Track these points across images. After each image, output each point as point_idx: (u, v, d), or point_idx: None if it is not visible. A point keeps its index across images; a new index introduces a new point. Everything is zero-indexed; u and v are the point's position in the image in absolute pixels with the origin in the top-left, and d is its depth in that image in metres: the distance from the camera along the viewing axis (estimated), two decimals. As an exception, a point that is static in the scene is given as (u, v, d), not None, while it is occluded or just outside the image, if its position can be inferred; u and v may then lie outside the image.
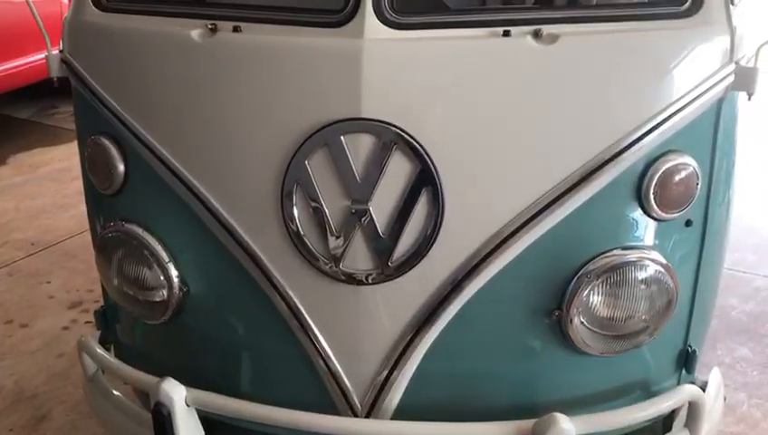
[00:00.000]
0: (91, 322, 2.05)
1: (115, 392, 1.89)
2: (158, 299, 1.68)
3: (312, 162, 1.47)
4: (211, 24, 1.53)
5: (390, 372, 1.56)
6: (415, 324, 1.54)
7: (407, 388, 1.57)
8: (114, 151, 1.68)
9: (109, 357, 1.86)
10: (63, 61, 1.75)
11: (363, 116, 1.42)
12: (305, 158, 1.46)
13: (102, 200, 1.79)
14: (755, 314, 3.27)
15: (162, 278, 1.66)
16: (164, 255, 1.66)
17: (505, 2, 2.46)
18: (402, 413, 1.59)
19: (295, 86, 1.47)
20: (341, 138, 1.44)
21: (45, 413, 2.64)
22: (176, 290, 1.66)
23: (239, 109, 1.52)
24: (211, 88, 1.54)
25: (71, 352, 2.88)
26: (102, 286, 1.90)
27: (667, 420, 1.79)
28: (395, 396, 1.58)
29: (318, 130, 1.44)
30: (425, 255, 1.49)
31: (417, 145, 1.43)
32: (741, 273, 3.66)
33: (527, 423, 1.51)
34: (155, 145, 1.61)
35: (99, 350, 1.87)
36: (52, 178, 5.01)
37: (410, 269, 1.50)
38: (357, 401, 1.59)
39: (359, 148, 1.44)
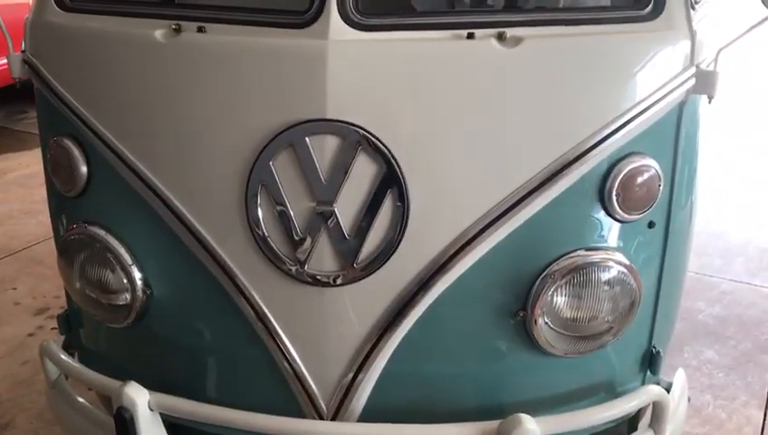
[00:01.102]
0: (57, 329, 2.03)
1: (79, 398, 1.86)
2: (121, 302, 1.66)
3: (277, 163, 1.46)
4: (175, 25, 1.52)
5: (356, 375, 1.56)
6: (380, 327, 1.53)
7: (373, 390, 1.57)
8: (77, 153, 1.66)
9: (71, 362, 1.83)
10: (25, 61, 1.72)
11: (328, 117, 1.42)
12: (270, 159, 1.46)
13: (65, 202, 1.76)
14: (722, 318, 3.32)
15: (125, 281, 1.64)
16: (127, 257, 1.63)
17: (471, 4, 2.47)
18: (368, 415, 1.58)
19: (260, 87, 1.46)
20: (306, 139, 1.43)
21: (8, 421, 2.59)
22: (139, 293, 1.64)
23: (203, 110, 1.51)
24: (175, 89, 1.52)
25: (36, 359, 2.80)
26: (66, 290, 1.88)
27: (633, 420, 1.81)
28: (361, 398, 1.57)
29: (283, 131, 1.44)
30: (390, 256, 1.49)
31: (383, 146, 1.43)
32: (708, 277, 3.71)
33: (492, 424, 1.51)
34: (118, 147, 1.59)
35: (61, 355, 1.84)
36: (19, 183, 4.93)
37: (376, 271, 1.50)
38: (323, 404, 1.58)
39: (324, 149, 1.44)
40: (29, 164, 5.21)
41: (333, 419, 1.59)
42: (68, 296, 1.91)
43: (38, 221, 4.15)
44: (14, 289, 3.54)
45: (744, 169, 5.51)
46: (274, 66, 1.45)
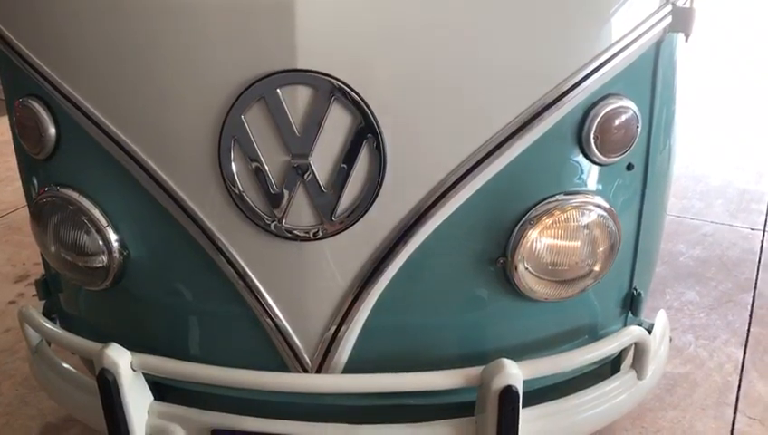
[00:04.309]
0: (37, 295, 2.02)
1: (61, 363, 1.85)
2: (97, 265, 1.63)
3: (249, 117, 1.42)
4: None
5: (339, 328, 1.55)
6: (361, 279, 1.52)
7: (356, 342, 1.57)
8: (43, 114, 1.61)
9: (51, 326, 1.81)
10: (-18, 20, 1.66)
11: (299, 67, 1.38)
12: (241, 113, 1.42)
13: (35, 165, 1.72)
14: (702, 259, 3.36)
15: (101, 243, 1.61)
16: (102, 219, 1.60)
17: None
18: (352, 367, 1.58)
19: (228, 38, 1.41)
20: (278, 91, 1.40)
21: (-6, 389, 2.59)
22: (116, 255, 1.61)
23: (171, 65, 1.46)
24: (140, 44, 1.47)
25: (18, 326, 2.80)
26: (42, 255, 1.85)
27: (616, 362, 1.84)
28: (344, 351, 1.57)
29: (253, 84, 1.40)
30: (368, 208, 1.47)
31: (356, 96, 1.40)
32: (689, 219, 3.75)
33: (476, 370, 1.52)
34: (86, 106, 1.54)
35: (41, 320, 1.82)
36: (-8, 150, 4.85)
37: (354, 223, 1.48)
38: (307, 358, 1.59)
39: (296, 100, 1.40)
40: (2, 131, 5.11)
41: (318, 372, 1.59)
42: (45, 261, 1.88)
43: (14, 189, 4.10)
44: (-7, 258, 3.50)
45: (723, 112, 5.53)
46: (242, 16, 1.40)
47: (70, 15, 1.55)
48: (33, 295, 3.07)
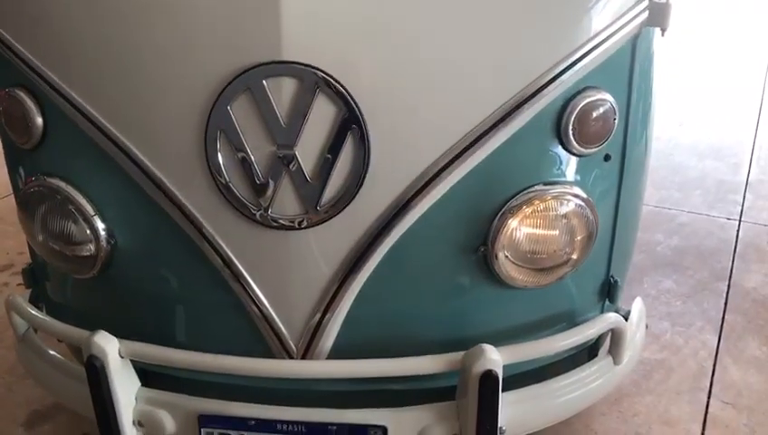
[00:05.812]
0: (23, 284, 2.02)
1: (49, 350, 1.87)
2: (85, 253, 1.65)
3: (235, 108, 1.45)
4: None
5: (323, 315, 1.58)
6: (346, 268, 1.55)
7: (340, 329, 1.60)
8: (30, 104, 1.62)
9: (38, 314, 1.83)
10: (-33, 9, 1.66)
11: (284, 59, 1.41)
12: (227, 103, 1.44)
13: (22, 155, 1.73)
14: (679, 248, 3.42)
15: (88, 232, 1.63)
16: (89, 208, 1.62)
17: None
18: (337, 353, 1.62)
19: (214, 30, 1.43)
20: (263, 82, 1.42)
21: (-21, 378, 2.59)
22: (103, 244, 1.63)
23: (157, 55, 1.48)
24: (126, 34, 1.49)
25: (3, 315, 2.80)
26: (28, 244, 1.86)
27: (593, 348, 1.88)
28: (329, 337, 1.60)
29: (239, 75, 1.42)
30: (353, 198, 1.50)
31: (341, 87, 1.43)
32: (666, 209, 3.81)
33: (457, 355, 1.56)
34: (72, 96, 1.56)
35: (28, 308, 1.83)
36: (-26, 140, 4.81)
37: (339, 213, 1.51)
38: (292, 345, 1.62)
39: (282, 91, 1.43)
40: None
41: (303, 358, 1.62)
42: (31, 250, 1.90)
43: (-4, 178, 4.07)
44: (-24, 247, 3.49)
45: (702, 103, 5.60)
46: (228, 8, 1.42)
47: (56, 5, 1.56)
48: (18, 284, 3.07)
